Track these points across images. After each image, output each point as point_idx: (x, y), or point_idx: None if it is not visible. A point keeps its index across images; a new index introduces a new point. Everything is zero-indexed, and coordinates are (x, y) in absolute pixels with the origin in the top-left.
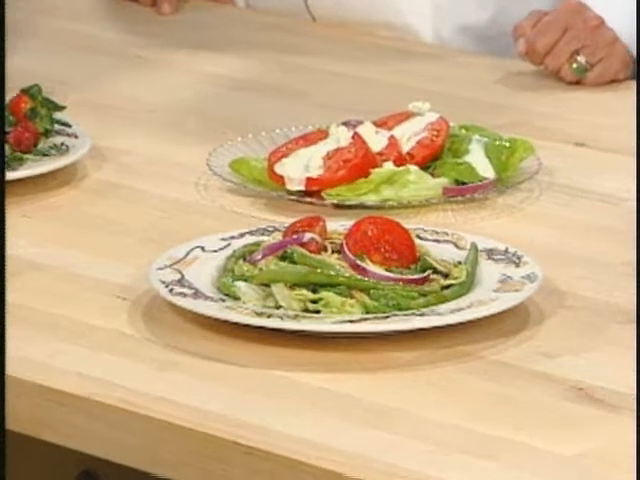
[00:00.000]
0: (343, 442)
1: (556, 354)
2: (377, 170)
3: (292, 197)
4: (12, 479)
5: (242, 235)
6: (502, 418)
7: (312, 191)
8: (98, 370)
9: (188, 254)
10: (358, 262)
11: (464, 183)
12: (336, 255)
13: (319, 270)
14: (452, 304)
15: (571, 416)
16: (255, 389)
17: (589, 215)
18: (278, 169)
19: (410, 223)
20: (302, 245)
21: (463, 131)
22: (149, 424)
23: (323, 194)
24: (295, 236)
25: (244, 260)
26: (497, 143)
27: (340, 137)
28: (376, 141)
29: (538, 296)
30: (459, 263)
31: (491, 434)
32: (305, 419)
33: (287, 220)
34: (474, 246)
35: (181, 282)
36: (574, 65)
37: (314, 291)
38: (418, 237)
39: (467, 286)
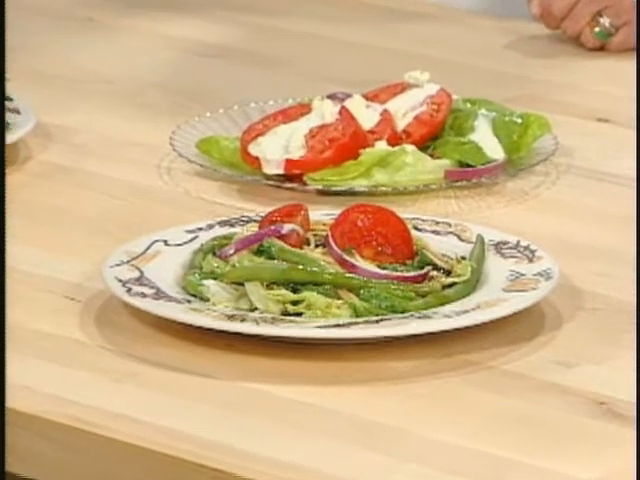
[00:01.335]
0: (328, 466)
1: (575, 363)
2: (368, 150)
3: (269, 182)
4: None
5: (211, 226)
6: (513, 437)
7: (292, 175)
8: (46, 383)
9: (148, 248)
10: (346, 257)
11: (469, 166)
12: (320, 249)
13: (301, 266)
14: (455, 306)
15: (592, 434)
16: (226, 404)
17: (614, 203)
18: (253, 149)
19: (406, 212)
20: (281, 238)
21: (468, 105)
22: (105, 445)
23: (305, 178)
24: (273, 227)
25: (213, 255)
26: (507, 119)
27: (325, 112)
28: (367, 117)
29: (554, 296)
30: (463, 258)
31: (501, 456)
32: (284, 439)
33: (263, 209)
34: (480, 238)
35: (140, 280)
36: (596, 29)
37: (295, 291)
38: (415, 228)
39: (472, 285)
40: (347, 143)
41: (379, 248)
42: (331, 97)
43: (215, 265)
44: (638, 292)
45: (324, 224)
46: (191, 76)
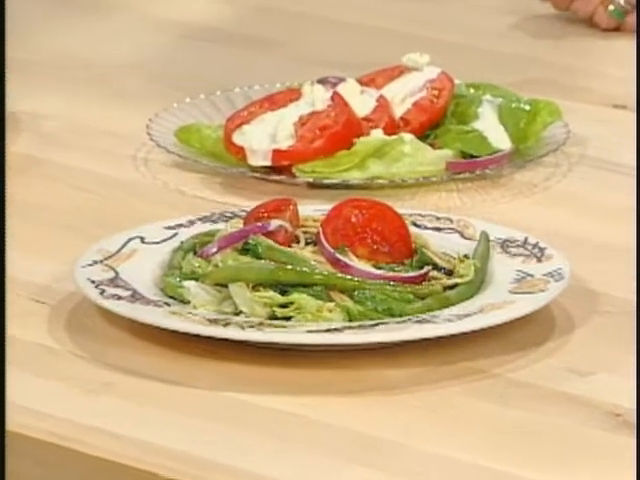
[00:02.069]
0: None
1: (587, 371)
2: (363, 140)
3: (255, 174)
4: None
5: (192, 223)
6: (520, 452)
7: (280, 167)
8: (12, 394)
9: (124, 247)
10: (338, 256)
11: (472, 156)
12: (311, 247)
13: (289, 266)
14: (457, 309)
15: (606, 448)
16: (208, 416)
17: (630, 196)
18: (237, 139)
19: (404, 207)
20: (268, 235)
21: (471, 90)
22: (78, 460)
23: (294, 170)
24: (259, 224)
25: (194, 254)
26: (514, 106)
27: (316, 98)
28: (361, 103)
29: (565, 298)
30: (466, 257)
31: (506, 472)
32: (270, 454)
33: (249, 203)
34: (485, 236)
35: (115, 282)
36: (610, 7)
37: (283, 293)
38: (414, 224)
39: (476, 286)
40: (340, 132)
41: (375, 246)
42: (322, 82)
43: (196, 265)
44: (638, 291)
45: (315, 220)
46: (170, 59)
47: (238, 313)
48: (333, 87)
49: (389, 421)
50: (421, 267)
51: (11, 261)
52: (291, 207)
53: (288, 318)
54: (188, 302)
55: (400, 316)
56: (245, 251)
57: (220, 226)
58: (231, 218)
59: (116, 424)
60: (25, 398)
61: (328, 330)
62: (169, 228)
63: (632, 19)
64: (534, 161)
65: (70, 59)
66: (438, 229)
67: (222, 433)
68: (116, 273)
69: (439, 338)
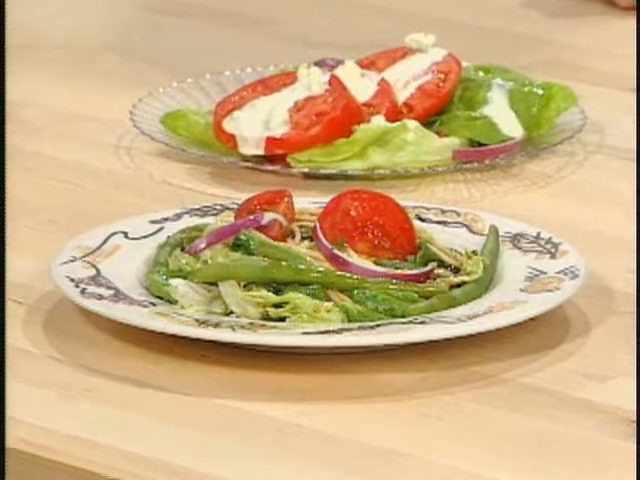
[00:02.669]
0: None
1: (606, 376)
2: (363, 127)
3: (247, 164)
4: None
5: (179, 216)
6: (534, 463)
7: (274, 156)
8: None
9: (105, 242)
10: (337, 252)
11: (481, 144)
12: (307, 243)
13: (284, 263)
14: (465, 309)
15: (625, 458)
16: (197, 425)
17: None
18: (228, 126)
19: (408, 199)
20: (260, 229)
21: (480, 74)
22: (56, 472)
23: (289, 160)
24: (251, 217)
25: (182, 250)
26: (526, 90)
27: (312, 82)
28: (361, 87)
29: (581, 297)
30: (474, 253)
31: None
32: (266, 466)
33: (240, 195)
34: (494, 230)
35: (96, 280)
36: None
37: (277, 292)
38: (418, 218)
39: (485, 284)
40: (338, 118)
41: (376, 241)
42: (319, 64)
43: (184, 262)
44: (638, 294)
45: (311, 213)
46: (155, 39)
47: (229, 314)
48: (331, 70)
49: (392, 431)
50: (425, 264)
51: None
52: (286, 199)
53: (283, 319)
54: (175, 302)
55: (403, 317)
56: (236, 247)
57: (209, 220)
58: (221, 211)
59: (97, 433)
60: None
61: (326, 332)
62: (154, 222)
63: None
64: (548, 150)
65: (39, 40)
66: (444, 223)
67: (212, 444)
68: (97, 270)
69: (445, 340)
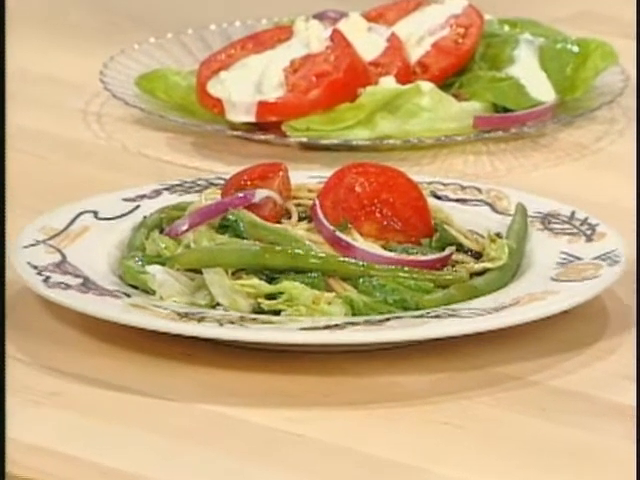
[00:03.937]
0: None
1: None
2: (370, 90)
3: (236, 133)
4: None
5: (157, 193)
6: (566, 475)
7: (267, 123)
8: None
9: (72, 223)
10: (340, 235)
11: (507, 110)
12: (305, 224)
13: (278, 247)
14: (487, 300)
15: None
16: (179, 433)
17: None
18: (213, 89)
19: (422, 173)
20: (251, 208)
21: (505, 28)
22: None
23: (284, 128)
24: (240, 194)
25: (161, 232)
26: (559, 47)
27: (311, 37)
28: (368, 44)
29: (621, 286)
30: (498, 236)
31: None
32: (255, 478)
33: (227, 169)
34: (522, 209)
35: (62, 267)
36: None
37: (271, 280)
38: (434, 195)
39: (510, 272)
40: (341, 79)
41: (384, 222)
42: (319, 17)
43: (162, 246)
44: (638, 288)
45: (310, 190)
46: None
47: (215, 306)
48: (333, 24)
49: (402, 440)
50: (442, 248)
51: None
52: (280, 174)
53: (277, 312)
54: (153, 292)
55: (416, 309)
56: (223, 228)
57: (192, 197)
58: (206, 187)
59: (63, 443)
60: None
61: (326, 327)
62: (128, 200)
63: None
64: (584, 116)
65: None
66: (463, 201)
67: (196, 454)
68: (63, 256)
69: (463, 337)
